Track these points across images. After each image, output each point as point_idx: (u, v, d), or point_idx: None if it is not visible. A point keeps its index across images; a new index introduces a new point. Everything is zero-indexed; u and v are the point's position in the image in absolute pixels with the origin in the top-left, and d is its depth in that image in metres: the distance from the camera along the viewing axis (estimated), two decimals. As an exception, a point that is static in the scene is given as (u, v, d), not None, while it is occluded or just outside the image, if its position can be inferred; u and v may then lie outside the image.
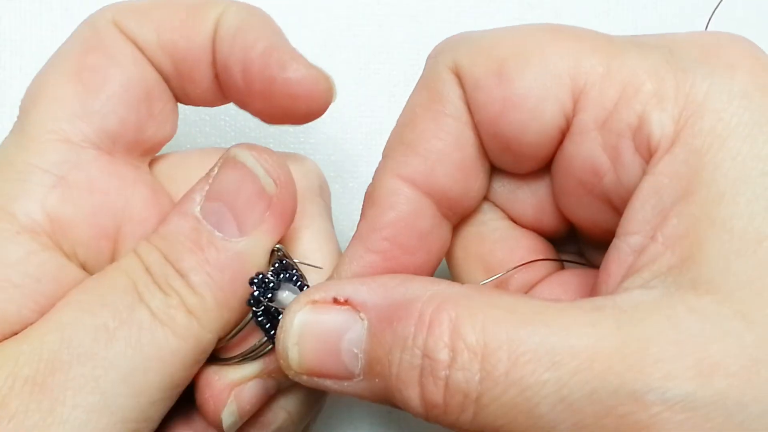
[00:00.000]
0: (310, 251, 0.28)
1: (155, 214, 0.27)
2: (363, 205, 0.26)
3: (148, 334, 0.24)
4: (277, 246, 0.26)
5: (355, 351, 0.23)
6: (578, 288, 0.27)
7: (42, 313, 0.25)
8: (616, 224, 0.24)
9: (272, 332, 0.26)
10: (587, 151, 0.24)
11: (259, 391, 0.27)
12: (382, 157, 0.26)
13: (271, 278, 0.26)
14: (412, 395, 0.22)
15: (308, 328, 0.24)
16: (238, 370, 0.27)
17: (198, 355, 0.25)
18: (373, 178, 0.26)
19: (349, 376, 0.24)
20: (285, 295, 0.26)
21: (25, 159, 0.26)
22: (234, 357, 0.27)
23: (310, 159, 0.31)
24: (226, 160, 0.26)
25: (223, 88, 0.28)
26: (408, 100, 0.27)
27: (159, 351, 0.24)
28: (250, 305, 0.26)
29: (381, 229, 0.26)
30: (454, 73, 0.25)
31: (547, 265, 0.28)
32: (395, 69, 0.39)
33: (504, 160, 0.26)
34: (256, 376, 0.27)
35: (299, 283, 0.27)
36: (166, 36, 0.27)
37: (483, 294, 0.23)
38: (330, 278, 0.27)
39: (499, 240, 0.28)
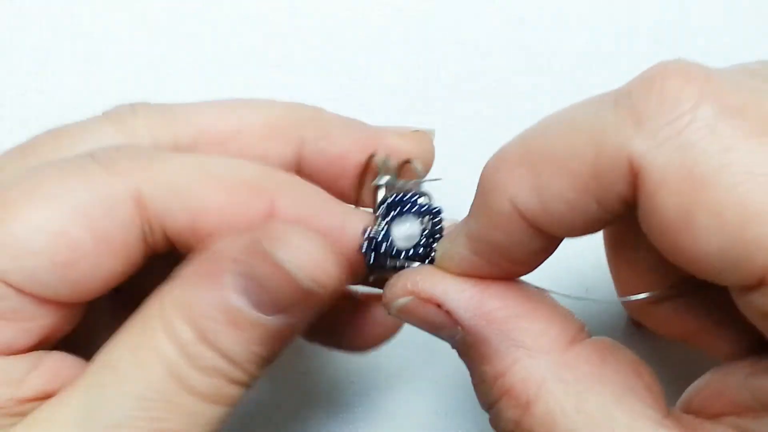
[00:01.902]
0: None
1: None
2: (475, 199, 0.25)
3: (199, 416, 0.23)
4: (384, 181, 0.26)
5: (450, 340, 0.25)
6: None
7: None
8: None
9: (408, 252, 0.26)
10: None
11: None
12: (509, 158, 0.24)
13: (381, 233, 0.26)
14: (481, 403, 0.25)
15: (407, 312, 0.26)
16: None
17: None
18: (489, 175, 0.24)
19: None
20: (406, 227, 0.26)
21: None
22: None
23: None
24: (262, 253, 0.23)
25: None
26: (575, 120, 0.23)
27: (210, 420, 0.24)
28: (370, 267, 0.26)
29: (490, 243, 0.24)
30: (630, 167, 0.21)
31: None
32: (395, 69, 0.39)
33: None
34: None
35: (420, 207, 0.26)
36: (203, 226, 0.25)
37: (576, 385, 0.23)
38: (437, 263, 0.26)
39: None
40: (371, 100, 0.38)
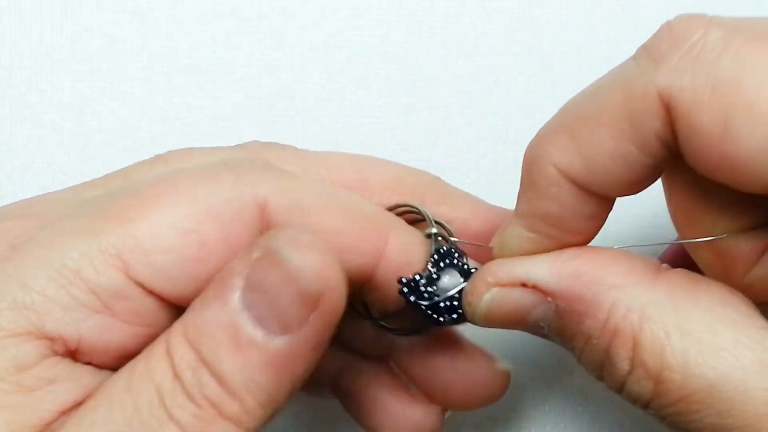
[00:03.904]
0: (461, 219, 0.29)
1: None
2: (522, 180, 0.26)
3: None
4: (433, 231, 0.27)
5: (542, 324, 0.25)
6: None
7: (61, 412, 0.22)
8: None
9: (436, 317, 0.27)
10: None
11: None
12: (547, 130, 0.25)
13: (427, 277, 0.26)
14: (592, 372, 0.25)
15: (496, 306, 0.26)
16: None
17: None
18: (531, 151, 0.25)
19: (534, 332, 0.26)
20: (446, 280, 0.27)
21: (78, 269, 0.23)
22: (398, 329, 0.28)
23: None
24: (268, 253, 0.23)
25: None
26: (602, 81, 0.24)
27: None
28: (408, 303, 0.26)
29: (544, 216, 0.25)
30: (660, 100, 0.23)
31: None
32: (395, 69, 0.39)
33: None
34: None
35: (463, 266, 0.27)
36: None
37: (675, 306, 0.23)
38: (497, 255, 0.27)
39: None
40: (371, 100, 0.38)
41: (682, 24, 0.23)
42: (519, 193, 0.26)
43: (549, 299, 0.25)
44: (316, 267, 0.22)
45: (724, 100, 0.21)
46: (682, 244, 0.27)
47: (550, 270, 0.25)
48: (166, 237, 0.23)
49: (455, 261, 0.27)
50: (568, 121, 0.24)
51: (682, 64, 0.22)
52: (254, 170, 0.25)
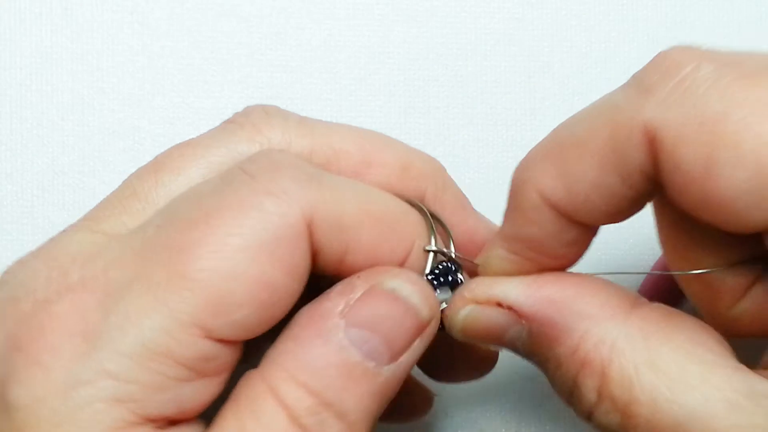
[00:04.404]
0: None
1: None
2: (508, 202, 0.26)
3: None
4: (434, 247, 0.26)
5: (517, 342, 0.25)
6: None
7: None
8: None
9: None
10: None
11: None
12: (534, 155, 0.25)
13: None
14: (562, 397, 0.25)
15: (471, 321, 0.26)
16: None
17: None
18: (516, 174, 0.25)
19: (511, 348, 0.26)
20: (439, 293, 0.26)
21: (164, 348, 0.22)
22: None
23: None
24: (375, 288, 0.24)
25: None
26: (592, 108, 0.24)
27: None
28: None
29: (526, 240, 0.25)
30: (645, 133, 0.22)
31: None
32: (395, 69, 0.39)
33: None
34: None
35: (456, 280, 0.27)
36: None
37: (646, 342, 0.23)
38: (480, 273, 0.27)
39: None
40: (371, 100, 0.38)
41: (675, 56, 0.22)
42: (504, 214, 0.26)
43: (523, 321, 0.25)
44: (426, 297, 0.25)
45: (709, 137, 0.21)
46: (666, 274, 0.27)
47: (525, 292, 0.25)
48: (238, 292, 0.22)
49: (449, 277, 0.27)
50: (555, 146, 0.24)
51: (670, 98, 0.22)
52: (291, 184, 0.23)
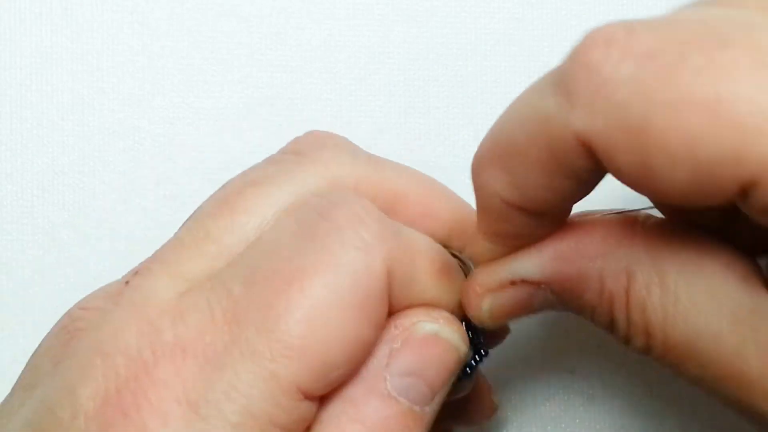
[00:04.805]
0: None
1: None
2: (476, 200, 0.26)
3: None
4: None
5: (547, 303, 0.26)
6: None
7: None
8: None
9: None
10: None
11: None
12: (483, 156, 0.25)
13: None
14: (608, 333, 0.25)
15: (497, 309, 0.26)
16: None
17: None
18: (474, 177, 0.25)
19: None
20: None
21: (270, 417, 0.23)
22: None
23: None
24: (413, 336, 0.25)
25: None
26: (524, 106, 0.24)
27: None
28: None
29: (503, 234, 0.26)
30: (580, 142, 0.22)
31: None
32: (395, 69, 0.39)
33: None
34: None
35: (477, 347, 0.28)
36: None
37: (653, 262, 0.24)
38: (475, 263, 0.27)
39: None
40: (371, 100, 0.38)
41: (598, 54, 0.21)
42: (476, 211, 0.26)
43: (542, 287, 0.25)
44: (461, 332, 0.26)
45: (638, 144, 0.20)
46: (649, 209, 0.27)
47: (531, 261, 0.25)
48: (337, 354, 0.23)
49: (473, 341, 0.27)
50: (499, 154, 0.24)
51: (594, 107, 0.21)
52: (376, 237, 0.24)
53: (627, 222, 0.25)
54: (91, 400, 0.22)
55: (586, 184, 0.24)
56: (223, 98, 0.38)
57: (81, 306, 0.26)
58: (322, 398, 0.24)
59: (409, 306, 0.25)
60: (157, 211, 0.37)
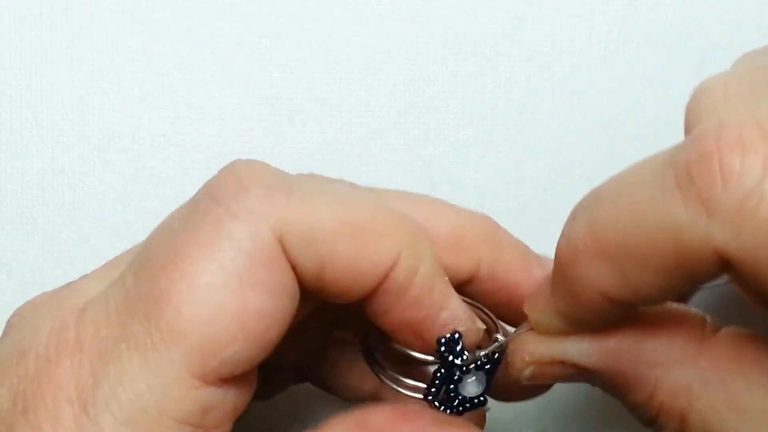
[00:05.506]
0: None
1: None
2: (557, 281, 0.25)
3: None
4: (500, 339, 0.26)
5: (589, 382, 0.25)
6: None
7: None
8: None
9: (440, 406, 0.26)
10: None
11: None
12: (586, 252, 0.23)
13: (461, 367, 0.26)
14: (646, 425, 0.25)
15: (539, 377, 0.26)
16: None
17: None
18: (570, 269, 0.24)
19: None
20: (471, 381, 0.26)
21: (161, 410, 0.21)
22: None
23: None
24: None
25: None
26: (636, 214, 0.22)
27: None
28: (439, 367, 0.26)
29: (585, 321, 0.25)
30: (717, 256, 0.21)
31: None
32: (395, 69, 0.39)
33: None
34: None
35: (490, 374, 0.27)
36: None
37: (722, 382, 0.23)
38: (531, 324, 0.26)
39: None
40: (371, 100, 0.38)
41: (735, 162, 0.20)
42: (553, 286, 0.25)
43: (592, 373, 0.25)
44: None
45: None
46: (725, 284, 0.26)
47: (587, 350, 0.25)
48: (223, 330, 0.21)
49: (489, 367, 0.26)
50: (609, 251, 0.22)
51: (737, 223, 0.20)
52: (258, 200, 0.22)
53: (694, 330, 0.24)
54: (4, 400, 0.22)
55: (703, 284, 0.23)
56: (223, 98, 0.38)
57: (24, 304, 0.26)
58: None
59: (335, 270, 0.23)
60: (157, 211, 0.37)
